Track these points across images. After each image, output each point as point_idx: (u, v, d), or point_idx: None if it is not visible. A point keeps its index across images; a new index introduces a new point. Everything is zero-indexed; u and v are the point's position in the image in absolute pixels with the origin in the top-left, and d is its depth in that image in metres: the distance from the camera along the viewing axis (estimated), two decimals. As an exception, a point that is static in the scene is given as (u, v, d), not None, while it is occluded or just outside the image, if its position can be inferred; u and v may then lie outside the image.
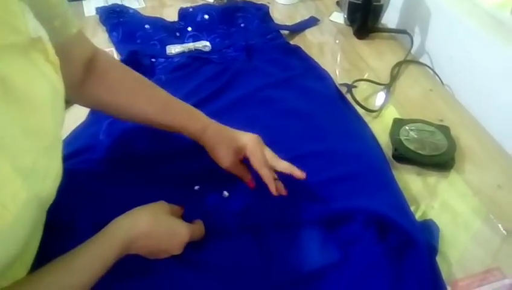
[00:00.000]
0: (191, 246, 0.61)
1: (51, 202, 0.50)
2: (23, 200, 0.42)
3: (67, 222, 0.64)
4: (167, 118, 0.70)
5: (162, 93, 0.71)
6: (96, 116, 0.84)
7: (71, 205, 0.66)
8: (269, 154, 0.68)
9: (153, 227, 0.56)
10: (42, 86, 0.47)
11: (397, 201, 0.67)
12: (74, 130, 0.83)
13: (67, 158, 0.73)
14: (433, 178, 0.77)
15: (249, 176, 0.70)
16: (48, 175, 0.47)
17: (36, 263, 0.57)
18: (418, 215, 0.69)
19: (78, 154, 0.75)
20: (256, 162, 0.67)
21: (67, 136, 0.81)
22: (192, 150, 0.76)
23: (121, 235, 0.53)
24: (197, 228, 0.62)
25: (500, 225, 0.69)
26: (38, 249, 0.58)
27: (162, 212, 0.59)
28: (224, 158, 0.68)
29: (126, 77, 0.70)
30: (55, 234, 0.62)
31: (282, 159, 0.73)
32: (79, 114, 0.86)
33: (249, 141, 0.68)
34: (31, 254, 0.54)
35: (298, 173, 0.65)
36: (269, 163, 0.67)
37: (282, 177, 0.70)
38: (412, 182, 0.75)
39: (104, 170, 0.72)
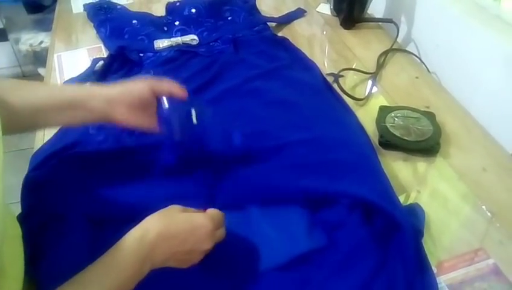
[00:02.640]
0: None
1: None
2: None
3: (59, 214, 0.65)
4: (60, 98, 0.65)
5: (47, 84, 0.69)
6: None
7: (63, 198, 0.67)
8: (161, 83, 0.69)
9: (168, 226, 0.53)
10: None
11: (383, 186, 0.68)
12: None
13: (58, 153, 0.74)
14: (419, 163, 0.78)
15: (151, 126, 0.69)
16: None
17: (30, 259, 0.58)
18: (404, 200, 0.71)
19: (69, 149, 0.75)
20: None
21: (57, 132, 0.81)
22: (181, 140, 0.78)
23: (134, 246, 0.50)
24: (215, 214, 0.58)
25: (484, 207, 0.70)
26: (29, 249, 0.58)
27: (174, 211, 0.56)
28: (121, 116, 0.66)
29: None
30: (48, 226, 0.64)
31: (270, 148, 0.74)
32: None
33: (141, 89, 0.67)
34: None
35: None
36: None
37: (273, 163, 0.72)
38: (398, 168, 0.77)
39: (95, 164, 0.73)
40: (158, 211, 0.55)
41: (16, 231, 0.56)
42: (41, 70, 1.96)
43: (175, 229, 0.53)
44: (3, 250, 0.49)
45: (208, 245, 0.55)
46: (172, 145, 0.71)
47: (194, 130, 0.70)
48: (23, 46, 1.93)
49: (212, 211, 0.58)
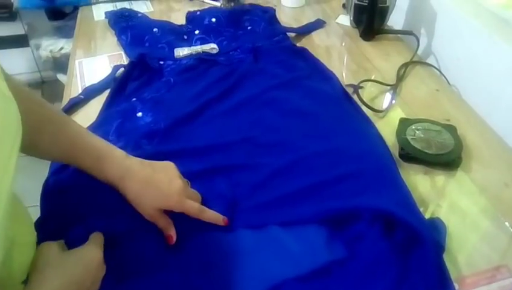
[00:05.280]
0: (192, 244, 0.62)
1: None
2: None
3: (78, 219, 0.65)
4: (73, 161, 0.65)
5: (70, 133, 0.64)
6: (107, 116, 0.86)
7: (82, 203, 0.67)
8: (191, 208, 0.65)
9: (68, 281, 0.51)
10: None
11: (404, 198, 0.67)
12: (84, 131, 0.84)
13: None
14: (440, 177, 0.77)
15: (169, 231, 0.63)
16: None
17: None
18: (425, 215, 0.70)
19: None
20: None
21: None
22: (200, 150, 0.78)
23: None
24: (97, 237, 0.60)
25: (507, 223, 0.69)
26: None
27: (56, 254, 0.54)
28: (146, 213, 0.64)
29: (33, 110, 0.61)
30: (67, 230, 0.64)
31: (288, 159, 0.74)
32: (88, 115, 0.87)
33: (172, 207, 0.64)
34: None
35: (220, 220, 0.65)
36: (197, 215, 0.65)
37: (292, 174, 0.71)
38: (418, 181, 0.76)
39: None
40: (44, 262, 0.52)
41: (31, 237, 0.55)
42: (60, 76, 1.99)
43: (74, 279, 0.51)
44: (14, 256, 0.48)
45: (102, 273, 0.56)
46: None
47: None
48: (44, 52, 1.96)
49: (95, 236, 0.60)
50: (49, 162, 0.76)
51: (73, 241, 0.59)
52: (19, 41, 2.14)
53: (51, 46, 1.95)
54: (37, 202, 0.69)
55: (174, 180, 0.65)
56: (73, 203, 0.68)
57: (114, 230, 0.63)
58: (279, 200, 0.68)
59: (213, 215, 0.65)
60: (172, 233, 0.63)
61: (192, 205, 0.65)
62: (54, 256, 0.53)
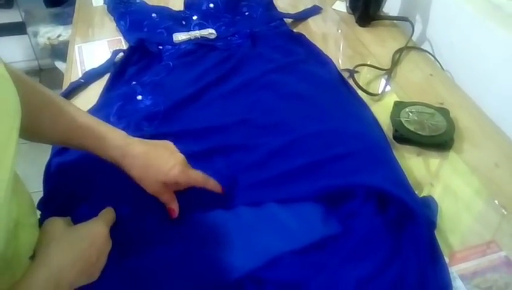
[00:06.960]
0: (195, 222, 0.64)
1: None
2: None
3: (80, 197, 0.67)
4: (75, 143, 0.66)
5: (69, 114, 0.64)
6: (107, 99, 0.87)
7: (84, 181, 0.69)
8: (196, 176, 0.67)
9: (73, 257, 0.52)
10: None
11: (397, 176, 0.69)
12: (85, 114, 0.85)
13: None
14: (432, 158, 0.79)
15: (172, 204, 0.66)
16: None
17: None
18: (419, 193, 0.72)
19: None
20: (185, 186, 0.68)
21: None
22: (198, 131, 0.79)
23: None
24: (106, 213, 0.62)
25: (497, 202, 0.71)
26: None
27: (63, 229, 0.56)
28: (151, 187, 0.65)
29: (32, 94, 0.62)
30: (70, 208, 0.65)
31: (285, 140, 0.76)
32: (89, 99, 0.89)
33: (177, 176, 0.64)
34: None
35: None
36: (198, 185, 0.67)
37: (288, 154, 0.73)
38: (412, 162, 0.78)
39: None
40: (50, 237, 0.54)
41: (33, 219, 0.57)
42: (58, 64, 1.99)
43: (80, 254, 0.53)
44: (19, 235, 0.49)
45: (108, 248, 0.58)
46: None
47: None
48: (41, 40, 1.95)
49: (105, 212, 0.62)
50: (50, 148, 0.78)
51: (79, 219, 0.61)
52: (16, 29, 2.14)
53: (48, 33, 1.94)
54: (39, 187, 0.71)
55: (175, 153, 0.67)
56: (76, 182, 0.70)
57: (117, 208, 0.65)
58: (277, 179, 0.70)
59: (215, 184, 0.68)
60: (175, 207, 0.65)
61: (197, 173, 0.67)
62: (59, 231, 0.55)
